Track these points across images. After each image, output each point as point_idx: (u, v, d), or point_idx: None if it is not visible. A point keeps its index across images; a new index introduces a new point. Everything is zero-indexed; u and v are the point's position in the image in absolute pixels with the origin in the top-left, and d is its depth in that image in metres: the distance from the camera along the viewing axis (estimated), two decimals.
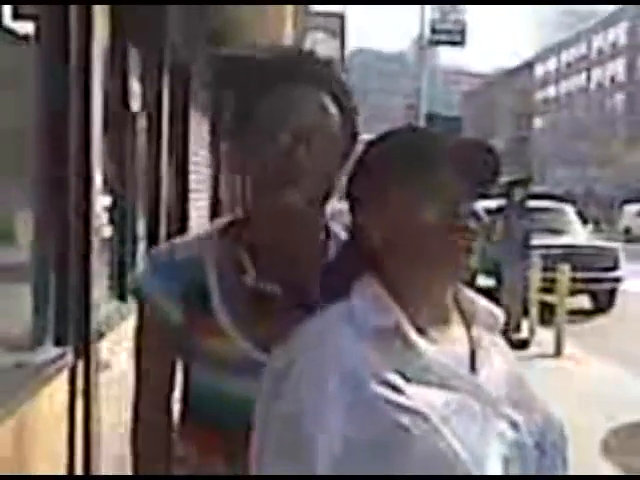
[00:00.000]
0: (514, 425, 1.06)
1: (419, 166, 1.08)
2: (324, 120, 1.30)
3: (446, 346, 1.08)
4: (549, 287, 9.32)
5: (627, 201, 39.70)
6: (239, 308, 1.37)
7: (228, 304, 1.37)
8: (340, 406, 0.99)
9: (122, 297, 4.81)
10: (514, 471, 1.04)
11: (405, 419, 0.98)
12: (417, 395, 1.01)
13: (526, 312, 9.29)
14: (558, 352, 8.48)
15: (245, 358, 1.35)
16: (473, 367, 1.09)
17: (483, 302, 1.17)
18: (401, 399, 1.00)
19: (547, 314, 9.34)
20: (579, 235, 12.98)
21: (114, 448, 4.08)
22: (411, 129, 1.17)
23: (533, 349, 8.66)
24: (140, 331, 1.44)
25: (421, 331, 1.07)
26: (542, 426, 1.09)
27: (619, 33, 57.57)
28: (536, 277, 9.52)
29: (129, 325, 4.81)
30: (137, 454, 1.46)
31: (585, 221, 16.92)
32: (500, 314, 1.17)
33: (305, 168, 1.28)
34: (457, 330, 1.12)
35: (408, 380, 1.02)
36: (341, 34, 15.53)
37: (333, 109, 1.30)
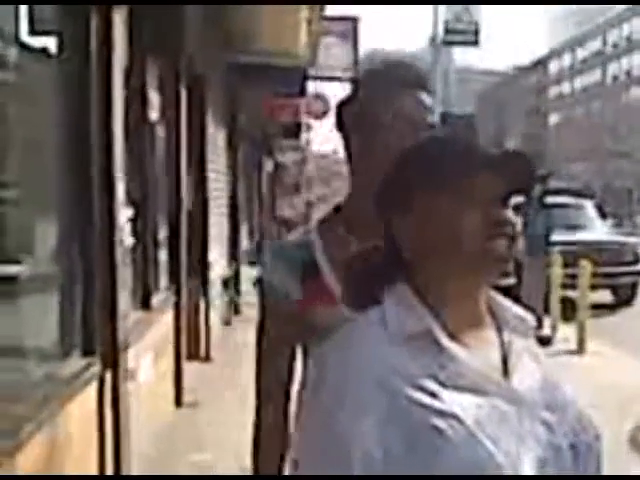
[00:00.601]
0: (548, 427, 1.07)
1: (454, 174, 1.08)
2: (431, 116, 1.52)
3: (479, 350, 1.09)
4: (570, 283, 9.26)
5: None
6: (342, 270, 1.43)
7: (337, 274, 1.44)
8: (376, 411, 1.01)
9: (146, 305, 4.86)
10: (549, 472, 1.05)
11: (440, 422, 1.00)
12: (451, 399, 1.02)
13: (547, 309, 9.26)
14: (581, 348, 8.43)
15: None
16: (505, 371, 1.10)
17: (514, 308, 1.18)
18: (436, 403, 1.01)
19: (569, 310, 9.30)
20: (599, 230, 12.89)
21: (142, 456, 4.12)
22: (444, 136, 1.19)
23: (556, 346, 8.62)
24: (262, 320, 1.55)
25: (454, 336, 1.08)
26: (576, 428, 1.09)
27: (634, 27, 57.12)
28: (557, 273, 9.48)
29: (153, 334, 4.89)
30: (257, 454, 1.54)
31: (604, 216, 16.81)
32: (532, 320, 1.19)
33: None
34: (490, 335, 1.13)
35: (442, 384, 1.03)
36: (354, 37, 15.51)
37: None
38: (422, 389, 1.02)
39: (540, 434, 1.06)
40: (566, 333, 9.14)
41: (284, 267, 1.52)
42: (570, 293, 9.36)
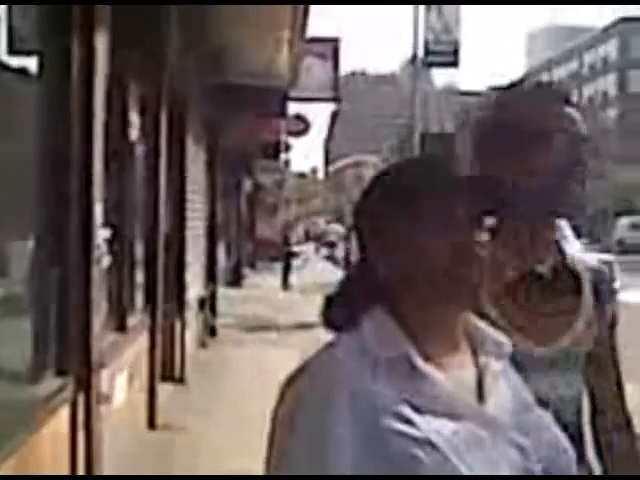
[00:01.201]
0: (523, 451, 1.07)
1: (429, 198, 1.08)
2: None
3: (454, 373, 1.10)
4: None
5: (619, 214, 40.01)
6: (503, 294, 1.41)
7: (494, 291, 1.39)
8: (353, 441, 1.01)
9: (121, 328, 4.82)
10: None
11: (417, 450, 1.00)
12: (427, 425, 1.02)
13: None
14: None
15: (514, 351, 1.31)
16: (481, 395, 1.11)
17: (489, 330, 1.18)
18: (412, 431, 1.01)
19: None
20: (574, 249, 13.02)
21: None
22: (418, 160, 1.22)
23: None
24: None
25: (430, 359, 1.08)
26: (551, 454, 1.10)
27: (610, 49, 58.05)
28: None
29: (128, 355, 4.84)
30: None
31: (579, 235, 16.87)
32: (506, 342, 1.18)
33: None
34: (466, 358, 1.14)
35: (417, 410, 1.03)
36: (334, 58, 15.61)
37: None
38: (398, 416, 1.02)
39: (514, 459, 1.06)
40: None
41: None
42: None
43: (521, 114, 1.42)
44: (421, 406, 1.03)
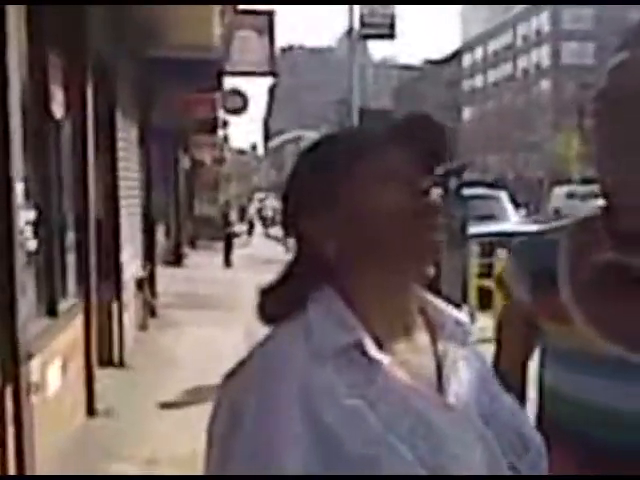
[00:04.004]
0: (485, 442, 1.00)
1: (364, 154, 1.01)
2: None
3: (410, 360, 1.02)
4: (487, 272, 9.45)
5: (555, 183, 40.83)
6: (590, 291, 1.27)
7: (578, 287, 1.29)
8: (301, 443, 0.92)
9: (52, 313, 4.62)
10: None
11: (370, 450, 0.93)
12: (381, 422, 0.94)
13: (465, 299, 9.40)
14: None
15: (597, 351, 1.23)
16: (439, 383, 1.03)
17: (451, 312, 1.10)
18: (364, 429, 0.93)
19: (485, 300, 9.46)
20: (513, 220, 13.22)
21: (53, 468, 3.91)
22: (344, 129, 1.12)
23: (475, 335, 8.75)
24: (501, 315, 1.49)
25: (384, 346, 1.00)
26: (518, 446, 1.03)
27: (542, 21, 58.94)
28: (474, 263, 9.64)
29: (61, 341, 4.66)
30: None
31: (517, 206, 17.16)
32: (468, 324, 1.11)
33: None
34: (423, 343, 1.05)
35: (371, 404, 0.95)
36: (270, 32, 15.40)
37: None
38: (350, 413, 0.94)
39: (476, 450, 0.99)
40: (485, 322, 9.30)
41: (517, 268, 1.40)
42: (487, 283, 9.52)
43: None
44: (375, 399, 0.96)
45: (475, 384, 1.06)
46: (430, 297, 1.10)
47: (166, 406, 5.67)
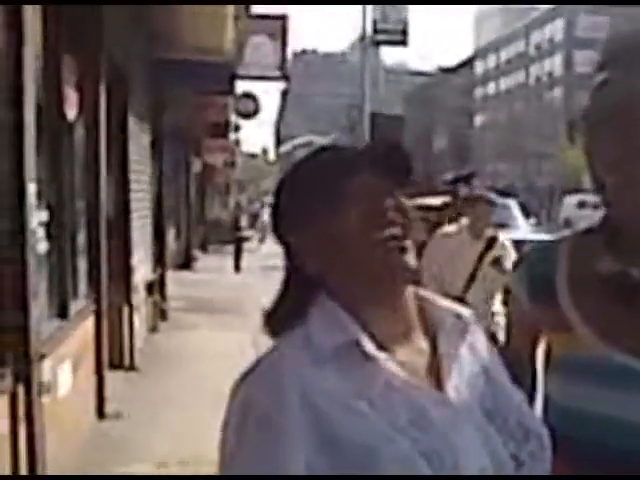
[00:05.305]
0: (487, 436, 1.02)
1: (339, 176, 1.07)
2: None
3: (409, 358, 1.05)
4: None
5: (566, 192, 40.68)
6: (590, 299, 1.28)
7: (577, 295, 1.29)
8: (306, 443, 0.96)
9: (63, 314, 4.62)
10: None
11: (370, 442, 0.95)
12: (382, 419, 0.97)
13: None
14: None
15: (599, 361, 1.23)
16: (439, 379, 1.05)
17: (451, 306, 1.13)
18: (365, 427, 0.96)
19: None
20: (523, 229, 13.15)
21: (64, 471, 3.91)
22: (319, 150, 1.16)
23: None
24: (508, 318, 1.52)
25: (382, 345, 1.03)
26: (519, 436, 1.04)
27: (556, 29, 58.82)
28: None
29: (71, 343, 4.66)
30: None
31: (528, 215, 17.11)
32: (469, 317, 1.13)
33: None
34: (420, 340, 1.09)
35: (371, 403, 0.98)
36: (282, 36, 15.42)
37: None
38: (352, 412, 0.97)
39: (478, 445, 1.00)
40: None
41: (521, 275, 1.40)
42: None
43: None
44: (375, 398, 0.99)
45: (478, 376, 1.08)
46: (428, 294, 1.13)
47: (176, 409, 5.67)
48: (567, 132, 47.14)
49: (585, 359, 1.25)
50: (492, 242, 4.89)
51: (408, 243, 1.05)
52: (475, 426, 1.02)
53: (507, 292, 1.50)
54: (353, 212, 1.05)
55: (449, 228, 5.11)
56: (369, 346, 1.02)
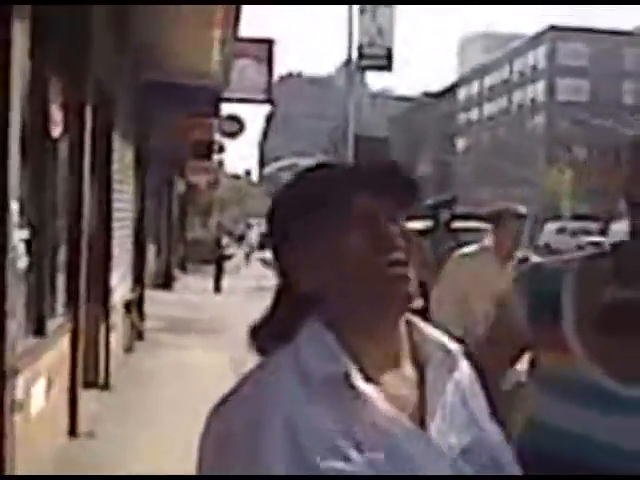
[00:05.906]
0: (460, 474, 1.02)
1: (335, 197, 1.04)
2: None
3: (397, 392, 1.03)
4: None
5: (547, 219, 41.40)
6: (592, 324, 1.29)
7: (581, 319, 1.30)
8: (286, 471, 0.94)
9: (40, 331, 4.63)
10: None
11: (346, 470, 0.94)
12: (365, 460, 0.96)
13: None
14: None
15: (592, 385, 1.24)
16: (423, 415, 1.04)
17: (439, 339, 1.11)
18: (348, 468, 0.95)
19: None
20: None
21: None
22: (320, 166, 1.13)
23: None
24: (492, 328, 1.52)
25: (370, 378, 1.01)
26: (490, 472, 1.05)
27: (539, 56, 59.57)
28: None
29: (47, 361, 4.65)
30: None
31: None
32: (457, 351, 1.11)
33: None
34: (408, 373, 1.07)
35: (356, 443, 0.96)
36: (269, 60, 15.54)
37: None
38: (335, 451, 0.95)
39: None
40: None
41: (520, 291, 1.41)
42: None
43: None
44: (359, 437, 0.97)
45: (460, 413, 1.07)
46: (420, 324, 1.11)
47: (149, 429, 5.66)
48: (546, 158, 47.55)
49: (574, 380, 1.28)
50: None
51: (410, 270, 1.03)
52: (452, 468, 1.01)
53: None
54: (358, 232, 1.02)
55: (468, 249, 4.34)
56: (358, 381, 0.99)
